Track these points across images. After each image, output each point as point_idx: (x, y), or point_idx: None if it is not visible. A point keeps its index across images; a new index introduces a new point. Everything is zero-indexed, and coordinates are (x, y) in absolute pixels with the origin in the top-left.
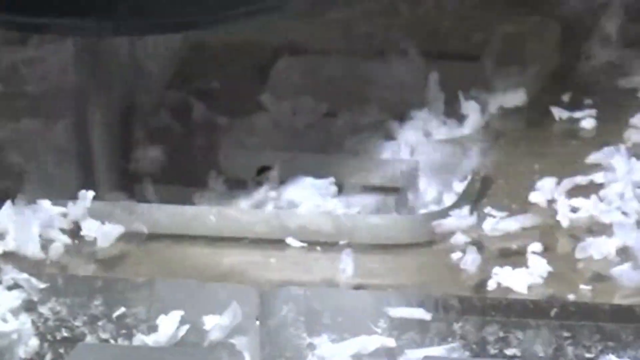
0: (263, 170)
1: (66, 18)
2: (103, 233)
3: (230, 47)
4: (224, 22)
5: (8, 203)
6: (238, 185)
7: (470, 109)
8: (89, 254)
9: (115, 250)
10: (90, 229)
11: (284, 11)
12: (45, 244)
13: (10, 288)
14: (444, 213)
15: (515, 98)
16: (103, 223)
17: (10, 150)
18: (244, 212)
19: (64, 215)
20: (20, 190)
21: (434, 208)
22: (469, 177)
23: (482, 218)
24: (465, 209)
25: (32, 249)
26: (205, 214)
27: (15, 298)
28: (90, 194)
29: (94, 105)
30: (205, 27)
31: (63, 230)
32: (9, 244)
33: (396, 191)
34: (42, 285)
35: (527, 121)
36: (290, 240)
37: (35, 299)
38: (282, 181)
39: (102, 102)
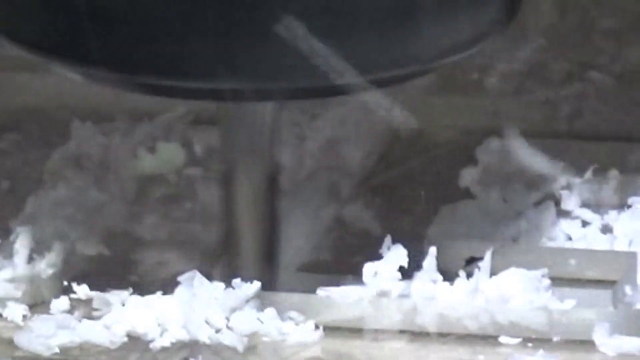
0: (471, 261)
1: (207, 82)
2: (300, 330)
3: (434, 128)
4: (370, 87)
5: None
6: (444, 277)
7: None
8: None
9: (313, 345)
10: (278, 326)
11: (428, 73)
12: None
13: None
14: None
15: None
16: (293, 317)
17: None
18: (451, 305)
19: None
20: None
21: None
22: None
23: None
24: None
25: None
26: (416, 307)
27: None
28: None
29: (241, 177)
30: (350, 93)
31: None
32: (180, 333)
33: (612, 284)
34: None
35: None
36: (501, 337)
37: None
38: (492, 273)
39: (248, 173)
